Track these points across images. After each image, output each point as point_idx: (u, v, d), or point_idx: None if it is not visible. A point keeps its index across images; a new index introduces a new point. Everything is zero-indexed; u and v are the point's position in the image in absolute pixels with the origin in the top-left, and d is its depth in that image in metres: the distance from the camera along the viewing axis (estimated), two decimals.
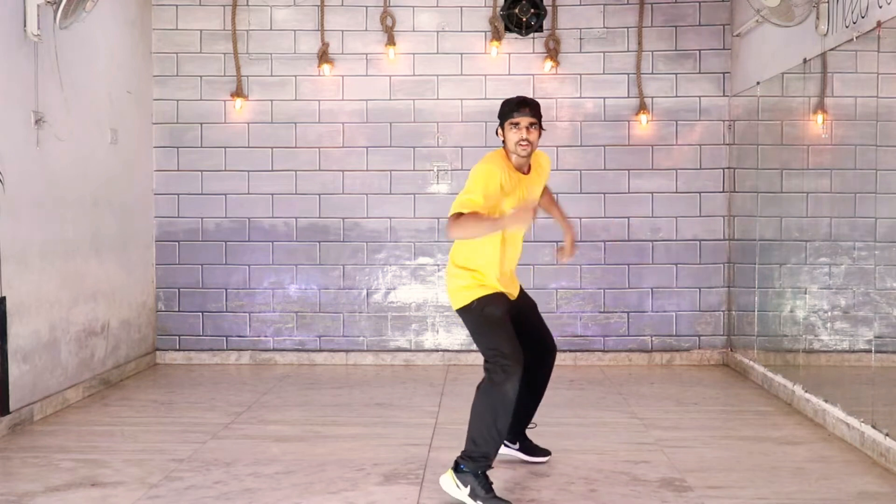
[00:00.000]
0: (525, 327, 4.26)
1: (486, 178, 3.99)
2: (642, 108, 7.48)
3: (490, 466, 4.03)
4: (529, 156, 4.16)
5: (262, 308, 7.64)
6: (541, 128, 4.14)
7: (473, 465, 3.97)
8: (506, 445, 4.55)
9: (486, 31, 7.55)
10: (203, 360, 7.62)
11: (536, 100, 4.28)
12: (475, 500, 3.93)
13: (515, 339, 4.03)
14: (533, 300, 4.49)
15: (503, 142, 4.17)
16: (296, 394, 6.38)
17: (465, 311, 4.17)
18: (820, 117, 5.93)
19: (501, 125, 4.16)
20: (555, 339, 4.59)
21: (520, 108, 4.09)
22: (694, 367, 7.44)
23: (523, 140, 4.07)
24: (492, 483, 3.99)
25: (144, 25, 7.43)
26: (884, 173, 5.12)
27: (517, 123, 4.08)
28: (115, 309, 6.80)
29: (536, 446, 4.62)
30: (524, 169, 4.20)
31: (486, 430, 3.96)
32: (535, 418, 4.65)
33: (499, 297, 4.14)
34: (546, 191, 4.55)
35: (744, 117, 7.20)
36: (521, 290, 4.41)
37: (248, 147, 7.60)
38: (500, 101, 4.42)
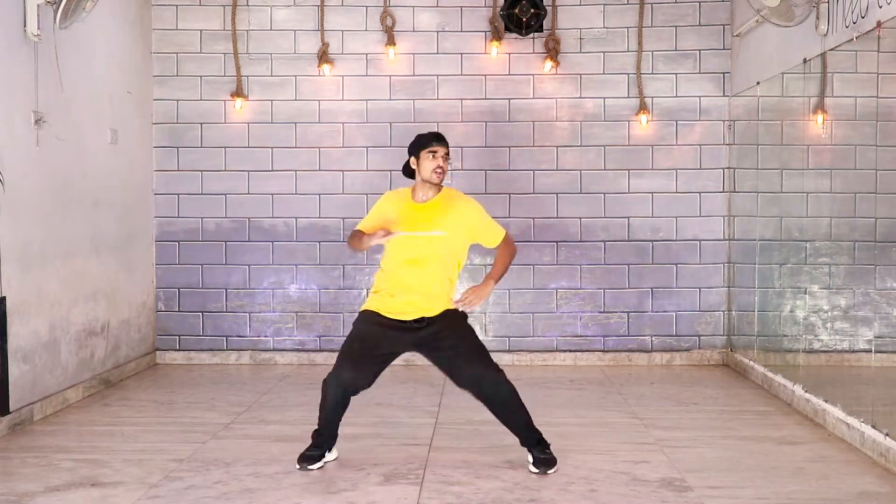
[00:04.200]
0: (446, 370, 4.55)
1: (375, 206, 4.72)
2: (642, 108, 7.48)
3: (318, 445, 4.56)
4: (440, 182, 4.57)
5: (262, 308, 7.64)
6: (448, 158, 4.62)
7: (315, 438, 4.61)
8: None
9: (486, 31, 7.55)
10: (203, 360, 7.62)
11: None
12: None
13: (352, 363, 4.43)
14: (456, 338, 4.50)
15: (413, 171, 4.60)
16: (296, 394, 6.38)
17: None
18: (820, 117, 5.93)
19: (416, 154, 4.56)
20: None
21: (438, 140, 4.56)
22: (694, 367, 7.44)
23: (438, 168, 4.52)
24: (317, 454, 4.53)
25: (144, 25, 7.43)
26: (884, 173, 5.12)
27: (435, 152, 4.52)
28: (115, 309, 6.79)
29: (537, 457, 4.48)
30: (428, 198, 4.59)
31: (319, 413, 4.60)
32: (535, 422, 4.59)
33: (372, 320, 4.52)
34: (503, 245, 4.67)
35: (744, 117, 7.20)
36: (447, 322, 4.51)
37: (248, 147, 7.60)
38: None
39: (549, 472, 4.43)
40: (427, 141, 4.55)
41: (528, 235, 7.53)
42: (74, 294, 6.11)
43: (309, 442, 4.62)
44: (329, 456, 4.61)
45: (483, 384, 4.44)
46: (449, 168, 4.62)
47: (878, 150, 5.19)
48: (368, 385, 4.51)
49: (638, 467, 4.52)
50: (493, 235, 4.65)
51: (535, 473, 4.43)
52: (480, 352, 4.51)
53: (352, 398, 4.54)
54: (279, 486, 4.22)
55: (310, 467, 4.49)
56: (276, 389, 6.52)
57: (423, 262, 4.49)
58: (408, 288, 4.49)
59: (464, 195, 4.70)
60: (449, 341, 4.48)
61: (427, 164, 4.51)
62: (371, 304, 4.59)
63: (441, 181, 4.57)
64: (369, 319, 4.53)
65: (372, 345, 4.47)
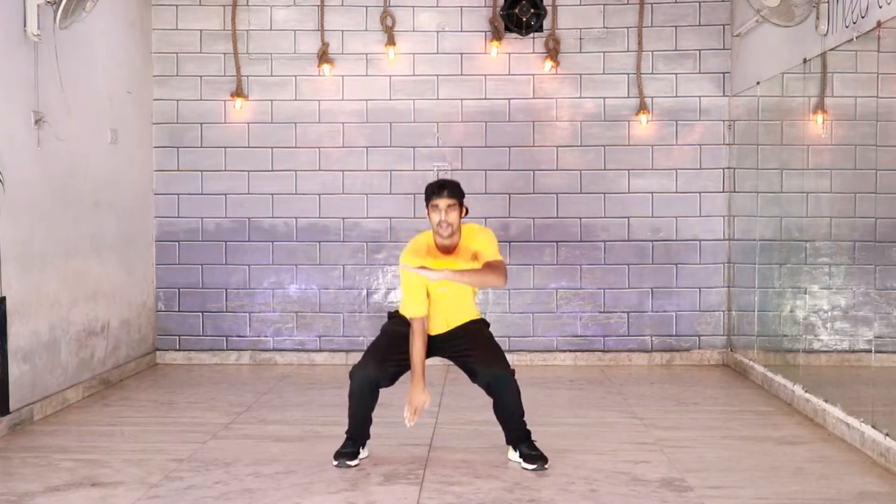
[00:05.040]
0: (463, 366, 4.61)
1: (404, 281, 4.55)
2: (642, 108, 7.48)
3: (351, 439, 4.59)
4: (451, 235, 4.46)
5: (262, 308, 7.64)
6: (461, 206, 4.45)
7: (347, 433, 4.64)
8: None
9: (486, 31, 7.55)
10: (203, 360, 7.62)
11: (456, 181, 4.56)
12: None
13: (375, 358, 4.52)
14: (475, 341, 4.58)
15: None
16: (296, 394, 6.38)
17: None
18: (820, 117, 5.93)
19: (426, 205, 4.48)
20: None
21: (439, 192, 4.40)
22: (694, 367, 7.44)
23: (442, 222, 4.39)
24: (351, 451, 4.55)
25: (144, 25, 7.43)
26: (884, 173, 5.12)
27: (437, 206, 4.40)
28: (115, 309, 6.79)
29: (528, 454, 4.51)
30: (450, 249, 4.50)
31: (348, 407, 4.64)
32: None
33: (403, 321, 4.59)
34: (491, 265, 4.39)
35: (744, 117, 7.21)
36: (465, 328, 4.64)
37: (248, 147, 7.60)
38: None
39: (545, 466, 4.45)
40: (429, 193, 4.45)
41: (528, 235, 7.53)
42: (74, 294, 6.11)
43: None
44: (363, 453, 4.64)
45: (497, 384, 4.49)
46: (463, 218, 4.48)
47: (878, 150, 5.19)
48: (390, 383, 4.60)
49: (638, 467, 4.52)
50: (489, 255, 4.41)
51: (530, 471, 4.43)
52: (497, 353, 4.56)
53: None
54: (279, 486, 4.22)
55: (349, 463, 4.53)
56: (276, 389, 6.52)
57: (451, 287, 4.50)
58: (439, 310, 4.59)
59: (483, 228, 4.61)
60: (469, 344, 4.57)
61: (432, 216, 4.45)
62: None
63: (448, 235, 4.44)
64: (401, 321, 4.62)
65: (397, 345, 4.57)
